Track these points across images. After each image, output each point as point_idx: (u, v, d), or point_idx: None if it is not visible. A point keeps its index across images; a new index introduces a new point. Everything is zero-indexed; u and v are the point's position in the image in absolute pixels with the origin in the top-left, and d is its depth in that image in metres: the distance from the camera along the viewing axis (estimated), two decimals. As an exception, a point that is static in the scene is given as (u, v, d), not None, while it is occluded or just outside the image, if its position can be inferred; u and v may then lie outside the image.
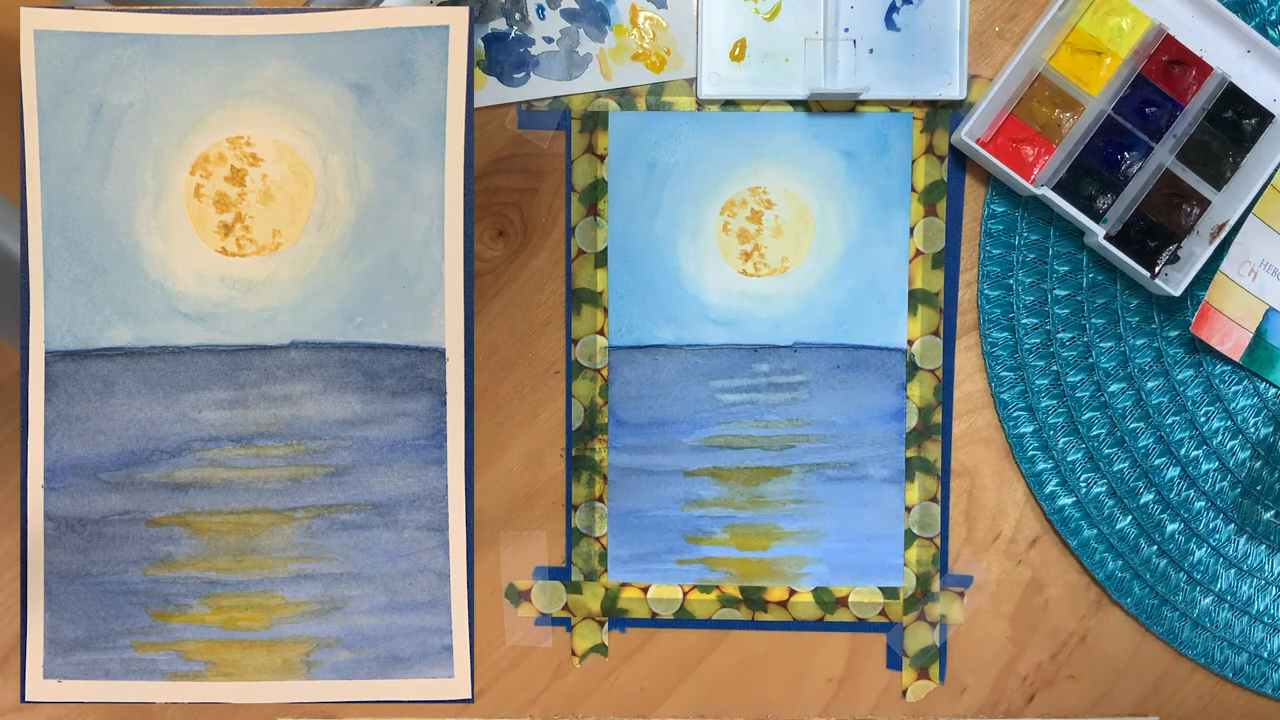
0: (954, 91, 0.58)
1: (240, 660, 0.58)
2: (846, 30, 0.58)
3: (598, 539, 0.60)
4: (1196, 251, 0.57)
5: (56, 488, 0.56)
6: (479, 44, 0.58)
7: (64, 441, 0.56)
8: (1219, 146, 0.57)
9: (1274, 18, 0.58)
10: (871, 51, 0.58)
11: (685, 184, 0.59)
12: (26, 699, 0.57)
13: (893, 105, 0.58)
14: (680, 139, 0.59)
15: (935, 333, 0.59)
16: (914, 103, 0.58)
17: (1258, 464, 0.59)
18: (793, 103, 0.58)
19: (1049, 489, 0.59)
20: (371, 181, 0.55)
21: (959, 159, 0.59)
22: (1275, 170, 0.57)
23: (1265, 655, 0.59)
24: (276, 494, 0.57)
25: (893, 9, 0.58)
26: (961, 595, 0.60)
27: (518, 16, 0.58)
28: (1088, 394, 0.59)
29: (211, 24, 0.55)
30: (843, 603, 0.60)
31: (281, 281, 0.56)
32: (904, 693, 0.60)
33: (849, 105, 0.58)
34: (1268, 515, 0.59)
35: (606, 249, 0.59)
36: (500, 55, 0.58)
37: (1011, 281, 0.59)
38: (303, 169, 0.56)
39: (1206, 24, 0.57)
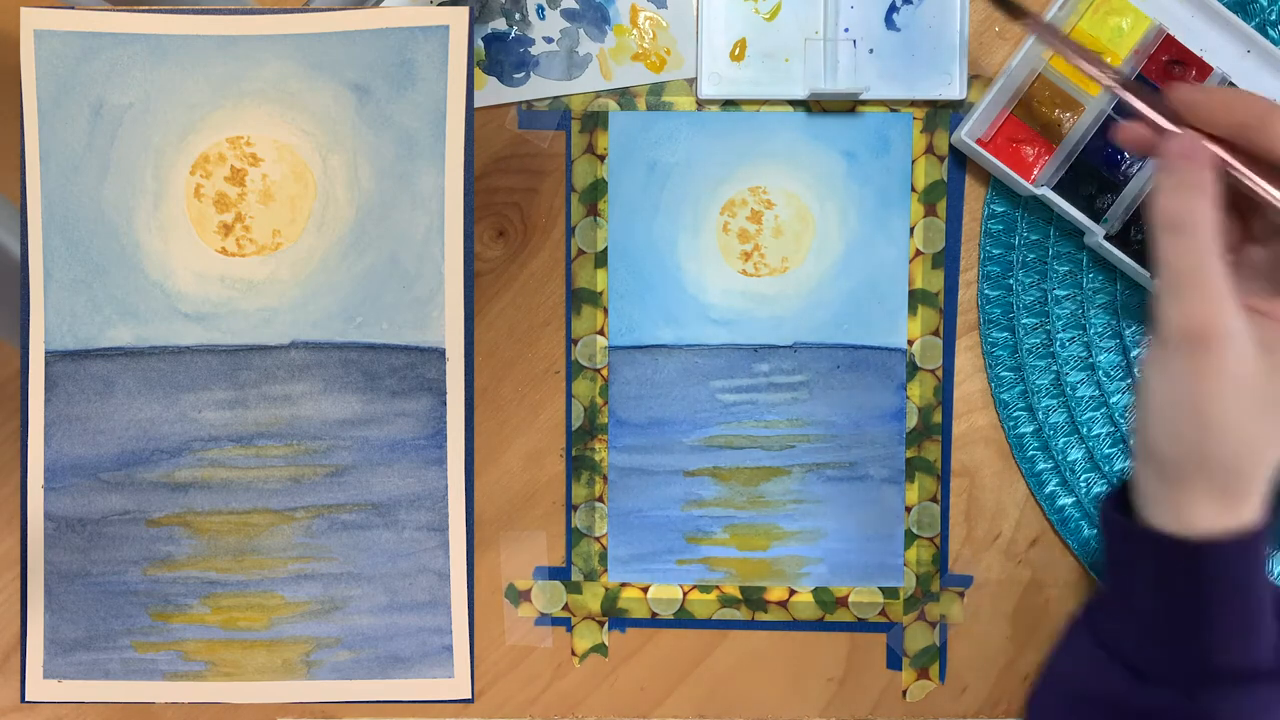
0: (954, 91, 0.58)
1: (240, 660, 0.58)
2: (846, 30, 0.58)
3: (598, 539, 0.60)
4: (1196, 251, 0.57)
5: (56, 488, 0.56)
6: (479, 44, 0.58)
7: (64, 441, 0.56)
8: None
9: (1274, 18, 0.58)
10: (871, 51, 0.58)
11: (685, 184, 0.59)
12: (26, 699, 0.57)
13: (893, 105, 0.58)
14: (680, 139, 0.59)
15: (935, 333, 0.59)
16: (914, 103, 0.58)
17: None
18: (793, 103, 0.58)
19: (1049, 489, 0.59)
20: (371, 181, 0.55)
21: (959, 159, 0.59)
22: (1275, 170, 0.57)
23: (1265, 655, 0.59)
24: (276, 494, 0.57)
25: (893, 9, 0.58)
26: (961, 595, 0.60)
27: (518, 16, 0.58)
28: (1088, 394, 0.59)
29: (211, 24, 0.55)
30: (843, 603, 0.60)
31: (281, 281, 0.56)
32: (904, 693, 0.60)
33: (849, 105, 0.58)
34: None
35: (606, 249, 0.59)
36: (500, 55, 0.58)
37: (1011, 281, 0.59)
38: (303, 169, 0.56)
39: (1206, 24, 0.57)
